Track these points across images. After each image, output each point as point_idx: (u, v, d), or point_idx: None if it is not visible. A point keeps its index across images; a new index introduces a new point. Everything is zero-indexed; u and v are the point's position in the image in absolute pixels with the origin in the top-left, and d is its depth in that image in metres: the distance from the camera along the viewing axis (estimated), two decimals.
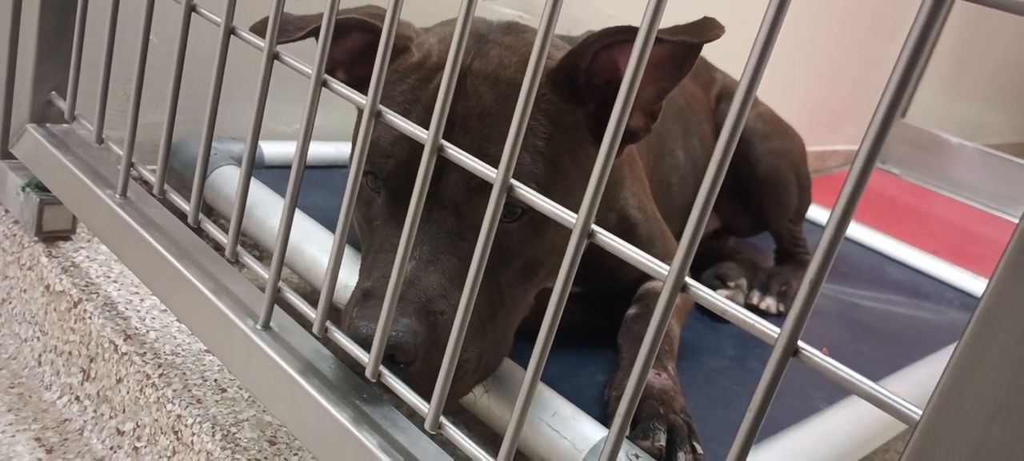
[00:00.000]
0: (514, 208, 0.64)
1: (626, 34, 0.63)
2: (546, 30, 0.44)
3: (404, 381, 0.57)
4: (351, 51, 0.73)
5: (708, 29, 0.60)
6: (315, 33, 0.70)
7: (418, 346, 0.58)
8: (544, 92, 0.67)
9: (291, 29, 0.67)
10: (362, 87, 0.73)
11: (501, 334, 0.67)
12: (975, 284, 1.48)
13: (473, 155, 0.60)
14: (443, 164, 0.62)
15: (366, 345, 0.57)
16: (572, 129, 0.68)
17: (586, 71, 0.67)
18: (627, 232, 0.86)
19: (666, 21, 0.47)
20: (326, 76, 0.58)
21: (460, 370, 0.62)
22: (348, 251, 0.82)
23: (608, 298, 0.88)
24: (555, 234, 0.67)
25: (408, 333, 0.58)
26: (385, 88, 0.68)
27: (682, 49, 0.62)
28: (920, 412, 0.34)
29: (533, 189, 0.62)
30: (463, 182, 0.63)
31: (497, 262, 0.65)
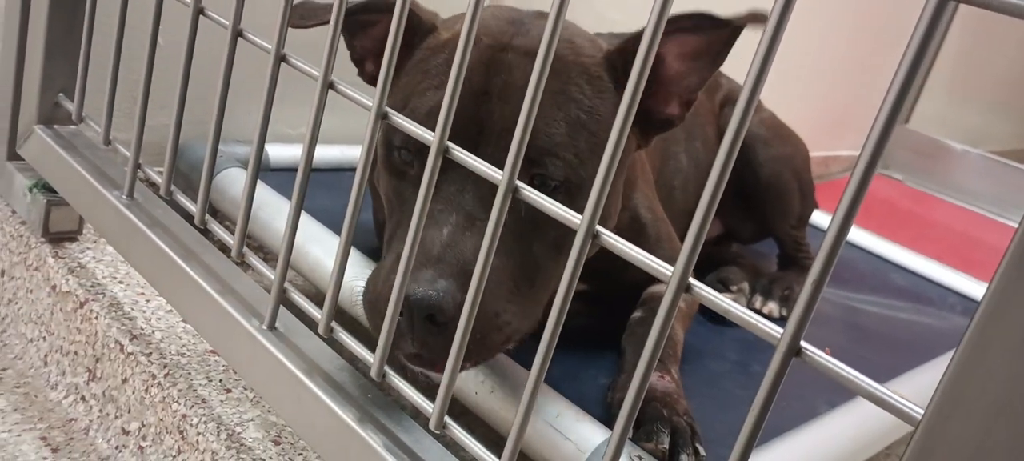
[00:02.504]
0: (549, 180, 0.65)
1: (679, 22, 0.64)
2: (554, 23, 0.45)
3: (441, 344, 0.57)
4: (379, 40, 0.73)
5: (750, 16, 0.61)
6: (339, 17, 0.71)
7: (457, 307, 0.58)
8: (597, 71, 0.68)
9: (317, 14, 0.67)
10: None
11: (534, 299, 0.68)
12: (978, 289, 1.48)
13: (512, 127, 0.61)
14: (479, 132, 0.63)
15: (412, 307, 0.57)
16: (615, 111, 0.68)
17: None
18: (638, 232, 0.87)
19: None
20: (333, 79, 0.58)
21: (498, 332, 0.62)
22: (353, 253, 0.82)
23: (613, 300, 0.88)
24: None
25: (448, 294, 0.58)
26: (421, 65, 0.69)
27: (727, 34, 0.63)
28: (922, 411, 0.34)
29: (570, 159, 0.63)
30: (501, 152, 0.63)
31: (531, 232, 0.65)
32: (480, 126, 0.64)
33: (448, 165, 0.63)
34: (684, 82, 0.68)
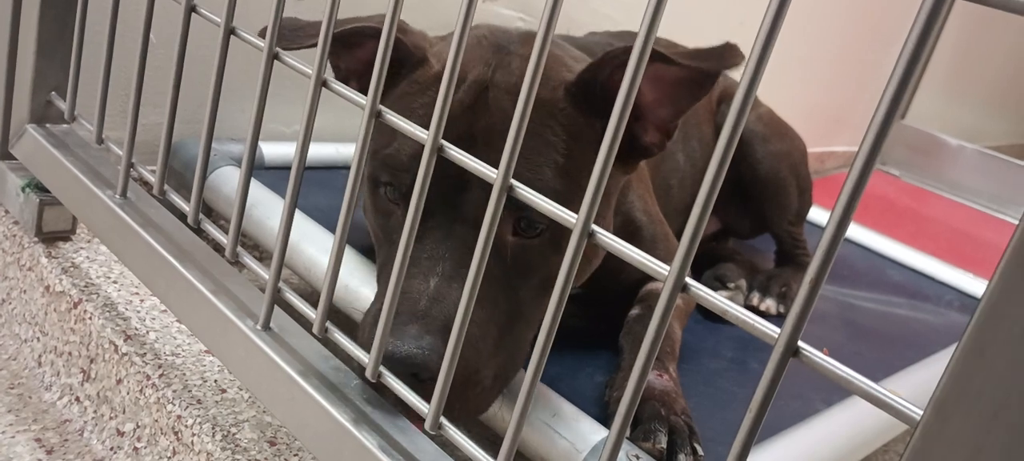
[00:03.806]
0: (535, 224, 0.64)
1: (652, 53, 0.62)
2: (545, 33, 0.44)
3: (426, 398, 0.57)
4: (365, 62, 0.73)
5: (728, 57, 0.60)
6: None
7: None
8: (562, 105, 0.66)
9: (303, 35, 0.66)
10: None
11: (517, 347, 0.67)
12: (975, 285, 1.48)
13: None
14: (467, 179, 0.62)
15: (396, 364, 0.57)
16: (590, 142, 0.67)
17: (603, 85, 0.66)
18: (632, 234, 0.86)
19: (665, 24, 0.47)
20: (326, 77, 0.58)
21: (478, 387, 0.61)
22: (348, 251, 0.82)
23: (610, 299, 0.88)
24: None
25: (433, 352, 0.57)
26: (405, 100, 0.68)
27: (700, 74, 0.62)
28: (920, 412, 0.34)
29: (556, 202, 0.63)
30: (486, 197, 0.63)
31: (516, 277, 0.64)
32: (465, 171, 0.63)
33: (434, 209, 0.62)
34: (659, 111, 0.67)
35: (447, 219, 0.63)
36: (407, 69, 0.70)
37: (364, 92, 0.73)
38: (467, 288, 0.50)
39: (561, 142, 0.65)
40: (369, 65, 0.72)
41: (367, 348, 0.59)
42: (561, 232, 0.64)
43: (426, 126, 0.65)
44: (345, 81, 0.75)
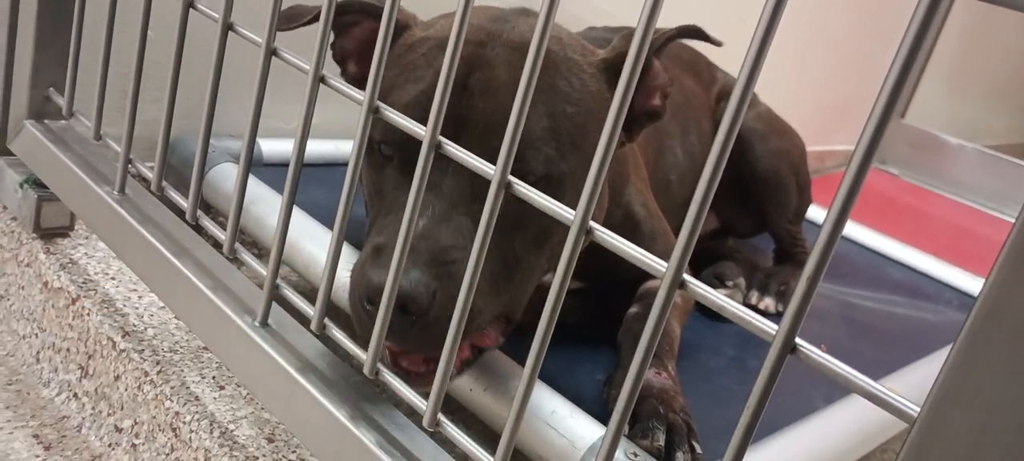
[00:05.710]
0: (528, 174, 0.64)
1: (668, 34, 0.69)
2: (545, 21, 0.44)
3: (417, 335, 0.57)
4: (361, 41, 0.73)
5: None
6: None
7: (430, 297, 0.58)
8: (594, 73, 0.69)
9: (301, 13, 0.68)
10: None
11: (515, 297, 0.67)
12: (974, 284, 1.48)
13: (496, 123, 0.63)
14: (461, 128, 0.63)
15: (379, 295, 0.56)
16: (605, 113, 0.69)
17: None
18: (632, 229, 0.86)
19: (664, 20, 0.47)
20: (324, 73, 0.58)
21: (473, 323, 0.61)
22: (346, 248, 0.82)
23: (608, 295, 0.88)
24: (570, 202, 0.66)
25: (420, 284, 0.57)
26: (395, 59, 0.69)
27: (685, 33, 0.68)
28: (918, 409, 0.34)
29: (550, 154, 0.64)
30: (481, 148, 0.60)
31: (511, 227, 0.64)
32: (461, 122, 0.64)
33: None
34: (659, 79, 0.72)
35: (440, 167, 0.63)
36: (394, 37, 0.72)
37: (362, 74, 0.74)
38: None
39: (574, 93, 0.67)
40: (365, 44, 0.73)
41: (357, 288, 0.60)
42: (556, 185, 0.65)
43: (417, 79, 0.66)
44: (342, 62, 0.76)
